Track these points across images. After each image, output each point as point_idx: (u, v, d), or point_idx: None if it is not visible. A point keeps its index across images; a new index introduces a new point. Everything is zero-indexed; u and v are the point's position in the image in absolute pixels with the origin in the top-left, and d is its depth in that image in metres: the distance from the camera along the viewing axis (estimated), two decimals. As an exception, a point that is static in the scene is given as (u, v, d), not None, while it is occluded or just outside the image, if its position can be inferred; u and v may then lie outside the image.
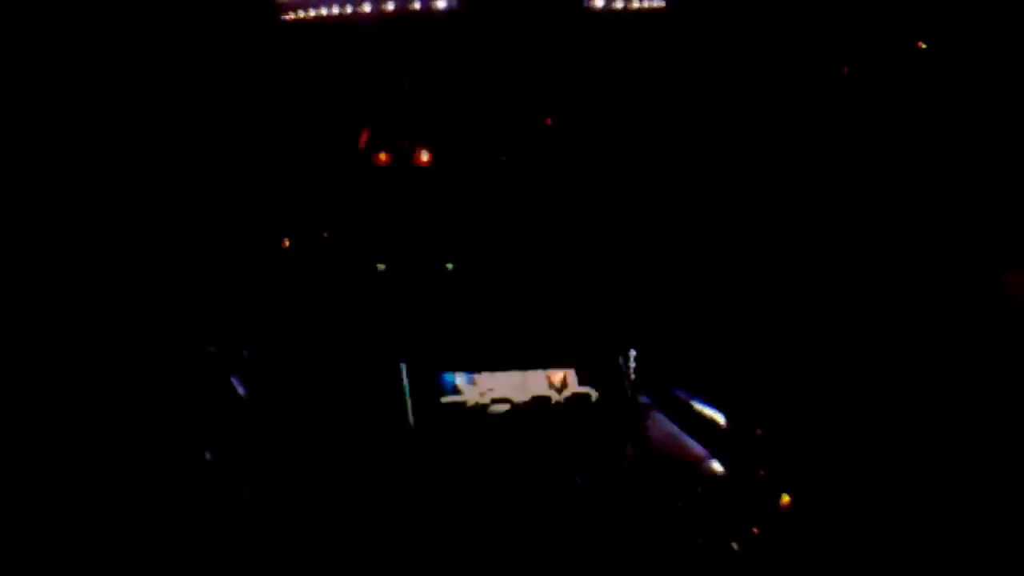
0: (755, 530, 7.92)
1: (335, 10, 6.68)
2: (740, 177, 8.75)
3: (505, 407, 7.59)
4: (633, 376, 8.36)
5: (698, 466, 8.53)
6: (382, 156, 6.90)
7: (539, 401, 7.74)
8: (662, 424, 9.30)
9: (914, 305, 8.36)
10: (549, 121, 6.92)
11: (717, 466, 8.53)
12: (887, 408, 8.22)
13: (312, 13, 6.72)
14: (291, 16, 6.78)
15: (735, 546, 7.82)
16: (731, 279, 8.84)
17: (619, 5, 6.84)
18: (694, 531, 7.90)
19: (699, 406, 9.22)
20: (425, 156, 6.82)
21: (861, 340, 8.41)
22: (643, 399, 9.43)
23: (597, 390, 8.01)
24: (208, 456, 6.89)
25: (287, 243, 7.10)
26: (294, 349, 7.15)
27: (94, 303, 6.94)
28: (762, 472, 8.34)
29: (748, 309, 8.98)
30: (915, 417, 8.05)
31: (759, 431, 8.62)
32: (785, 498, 8.06)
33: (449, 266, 6.81)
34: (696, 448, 8.76)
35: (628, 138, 7.25)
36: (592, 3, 6.68)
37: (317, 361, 7.14)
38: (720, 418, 8.89)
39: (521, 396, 7.53)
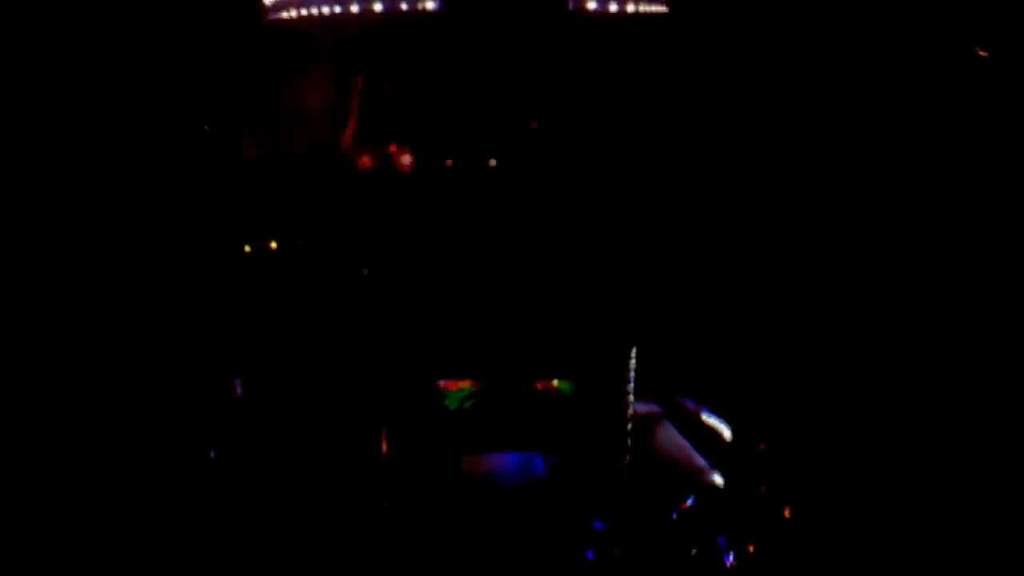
0: (750, 546, 7.75)
1: (324, 10, 6.62)
2: (755, 183, 8.59)
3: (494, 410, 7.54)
4: (632, 384, 8.23)
5: (699, 478, 8.38)
6: (366, 160, 6.83)
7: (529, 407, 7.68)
8: (670, 434, 9.16)
9: (928, 328, 8.14)
10: (536, 124, 6.79)
11: (718, 478, 8.38)
12: (894, 431, 8.02)
13: (300, 13, 6.66)
14: (278, 16, 6.72)
15: (729, 560, 7.67)
16: (744, 286, 8.68)
17: (613, 8, 6.66)
18: (688, 543, 7.76)
19: (707, 417, 9.07)
20: (408, 159, 6.72)
21: (874, 361, 8.22)
22: (654, 407, 9.30)
23: (594, 399, 7.90)
24: (207, 457, 6.91)
25: (273, 246, 7.08)
26: (287, 355, 7.14)
27: (90, 308, 6.98)
28: (762, 487, 8.17)
29: (761, 320, 8.82)
30: (921, 440, 7.85)
31: (762, 445, 8.45)
32: (784, 513, 7.90)
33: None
34: (700, 459, 8.61)
35: (627, 139, 7.10)
36: (582, 5, 6.50)
37: (310, 366, 7.12)
38: (725, 430, 8.74)
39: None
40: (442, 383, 7.40)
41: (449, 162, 6.69)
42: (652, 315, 7.83)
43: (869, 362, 8.46)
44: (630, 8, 6.63)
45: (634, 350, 7.94)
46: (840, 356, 8.54)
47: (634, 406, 8.68)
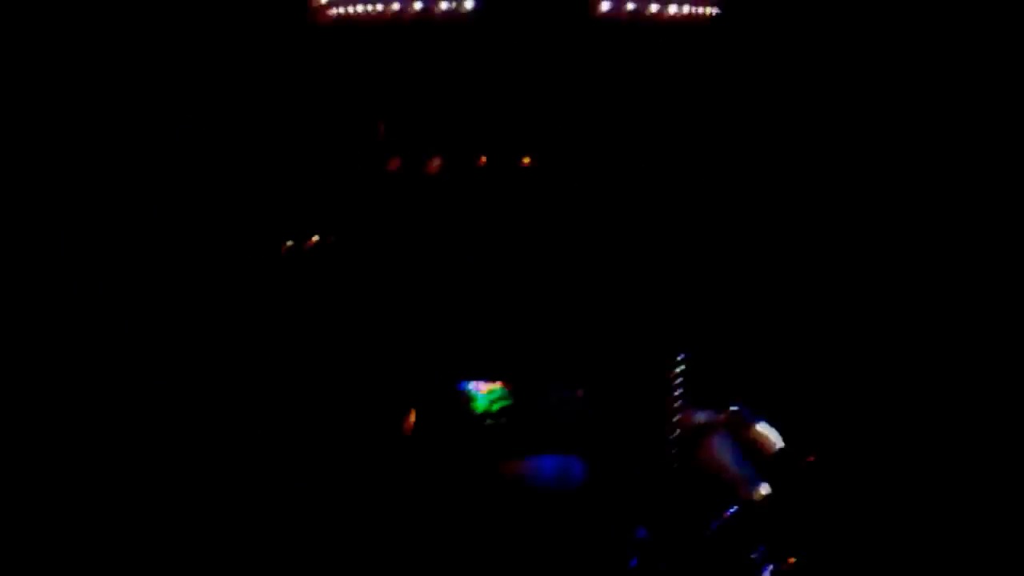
0: (790, 560, 7.62)
1: (363, 8, 6.69)
2: (815, 187, 8.43)
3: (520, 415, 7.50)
4: (681, 391, 8.12)
5: (745, 488, 8.23)
6: (395, 162, 6.88)
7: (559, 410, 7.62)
8: (724, 444, 9.02)
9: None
10: (565, 128, 6.73)
11: (765, 490, 8.22)
12: (954, 454, 7.77)
13: (341, 11, 6.74)
14: (326, 14, 6.80)
15: (767, 572, 7.55)
16: (799, 294, 8.52)
17: (654, 9, 6.51)
18: (725, 554, 7.66)
19: (761, 427, 8.91)
20: (438, 162, 6.74)
21: (940, 379, 7.98)
22: (713, 416, 9.17)
23: (634, 405, 7.81)
24: (210, 456, 6.97)
25: (313, 241, 7.20)
26: (298, 352, 7.20)
27: (98, 304, 7.15)
28: (808, 500, 8.02)
29: (816, 329, 8.64)
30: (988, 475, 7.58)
31: (811, 458, 8.29)
32: (828, 529, 7.74)
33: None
34: (749, 470, 8.47)
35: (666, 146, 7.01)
36: (605, 9, 6.29)
37: (323, 363, 7.16)
38: (777, 441, 8.58)
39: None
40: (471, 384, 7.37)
41: (483, 161, 6.71)
42: (698, 321, 7.73)
43: (932, 379, 8.22)
44: (673, 10, 6.44)
45: (681, 355, 7.85)
46: (898, 371, 8.32)
47: (693, 415, 8.58)
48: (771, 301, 8.50)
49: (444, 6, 6.34)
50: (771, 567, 7.54)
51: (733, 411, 9.26)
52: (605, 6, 6.32)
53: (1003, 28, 7.81)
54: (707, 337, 8.05)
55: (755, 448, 8.71)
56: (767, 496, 7.96)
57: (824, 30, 8.11)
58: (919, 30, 7.91)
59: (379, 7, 6.52)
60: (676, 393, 8.00)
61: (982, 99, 7.86)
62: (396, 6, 6.50)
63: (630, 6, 6.36)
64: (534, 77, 6.70)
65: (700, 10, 6.83)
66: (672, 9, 6.47)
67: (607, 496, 7.76)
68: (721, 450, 8.75)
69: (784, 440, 8.43)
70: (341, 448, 7.15)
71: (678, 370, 7.95)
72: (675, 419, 8.15)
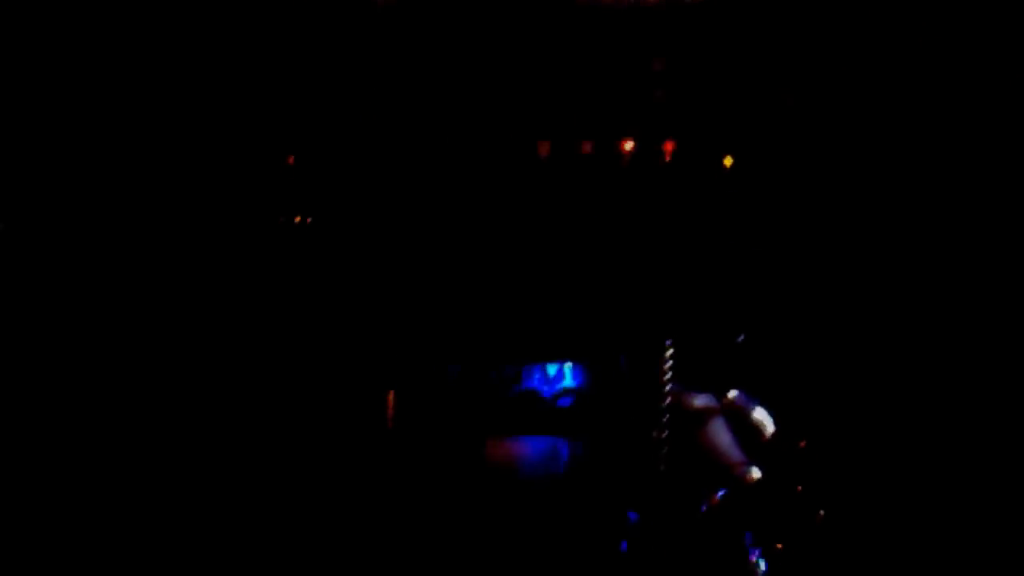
0: (779, 545, 7.60)
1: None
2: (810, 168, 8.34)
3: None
4: (670, 374, 8.09)
5: (736, 472, 8.22)
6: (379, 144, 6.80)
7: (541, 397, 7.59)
8: (720, 428, 9.02)
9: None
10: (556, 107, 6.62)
11: (755, 474, 8.21)
12: (948, 448, 7.67)
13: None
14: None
15: (754, 557, 7.54)
16: (796, 276, 8.45)
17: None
18: (714, 537, 7.65)
19: (756, 411, 8.89)
20: (431, 144, 6.65)
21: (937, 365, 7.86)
22: (711, 401, 9.17)
23: (622, 389, 7.78)
24: (206, 455, 6.93)
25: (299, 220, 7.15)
26: (284, 341, 7.14)
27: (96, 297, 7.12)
28: (799, 487, 7.98)
29: (811, 312, 8.57)
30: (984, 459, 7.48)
31: (803, 443, 8.25)
32: (818, 516, 7.70)
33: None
34: (742, 454, 8.46)
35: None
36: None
37: (308, 355, 7.10)
38: (770, 424, 8.55)
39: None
40: None
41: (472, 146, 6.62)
42: (688, 305, 7.67)
43: (926, 370, 8.12)
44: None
45: (670, 339, 7.80)
46: (892, 361, 8.23)
47: (690, 399, 8.55)
48: (769, 288, 8.44)
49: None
50: (759, 551, 7.53)
51: (731, 396, 9.26)
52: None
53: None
54: (704, 321, 8.00)
55: (751, 433, 8.68)
56: (759, 480, 7.94)
57: (828, 19, 8.00)
58: (934, 30, 7.78)
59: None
60: (667, 375, 7.97)
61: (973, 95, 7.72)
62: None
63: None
64: (521, 60, 6.62)
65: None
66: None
67: (596, 478, 7.76)
68: (716, 434, 8.73)
69: (778, 425, 8.41)
70: (320, 433, 7.16)
71: (669, 352, 7.92)
72: (669, 402, 8.13)
